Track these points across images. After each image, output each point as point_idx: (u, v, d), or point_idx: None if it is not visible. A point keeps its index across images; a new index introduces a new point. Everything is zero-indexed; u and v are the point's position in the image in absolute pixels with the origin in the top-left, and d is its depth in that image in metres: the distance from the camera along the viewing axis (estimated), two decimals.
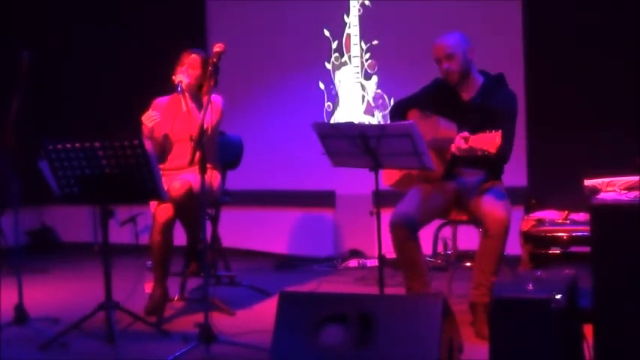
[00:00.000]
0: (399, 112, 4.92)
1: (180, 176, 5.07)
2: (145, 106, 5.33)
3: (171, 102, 5.34)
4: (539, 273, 3.76)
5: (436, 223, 5.17)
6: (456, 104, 4.79)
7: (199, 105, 5.20)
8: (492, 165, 4.71)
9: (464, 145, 4.35)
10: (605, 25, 6.18)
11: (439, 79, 4.90)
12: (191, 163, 4.41)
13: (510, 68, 6.23)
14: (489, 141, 4.26)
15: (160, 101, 5.39)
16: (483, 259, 4.58)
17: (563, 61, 6.34)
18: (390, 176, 4.96)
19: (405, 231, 4.60)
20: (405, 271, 4.70)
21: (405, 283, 4.72)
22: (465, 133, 4.38)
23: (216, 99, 5.20)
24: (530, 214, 5.54)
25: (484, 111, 4.68)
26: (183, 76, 5.23)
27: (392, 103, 6.89)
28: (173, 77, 5.25)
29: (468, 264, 5.75)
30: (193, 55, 5.31)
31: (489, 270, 4.55)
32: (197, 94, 5.29)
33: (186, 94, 5.21)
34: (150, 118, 5.15)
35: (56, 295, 6.02)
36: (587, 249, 4.56)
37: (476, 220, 4.82)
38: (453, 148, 4.43)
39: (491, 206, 4.57)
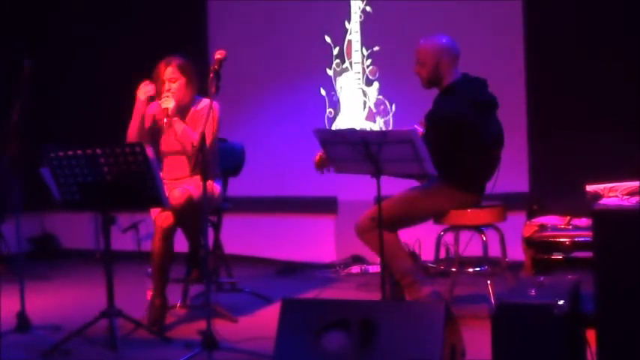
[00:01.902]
0: None
1: (180, 185, 5.06)
2: None
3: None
4: (541, 278, 3.76)
5: (438, 228, 5.17)
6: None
7: (190, 119, 5.17)
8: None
9: None
10: (605, 26, 6.18)
11: None
12: (192, 171, 4.40)
13: (511, 72, 6.27)
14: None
15: (154, 106, 5.28)
16: None
17: (565, 65, 6.33)
18: None
19: (364, 221, 4.80)
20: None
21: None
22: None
23: (213, 106, 5.06)
24: (533, 220, 5.53)
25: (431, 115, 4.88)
26: (169, 100, 5.07)
27: (393, 109, 6.90)
28: (159, 102, 5.11)
29: (471, 270, 5.75)
30: (170, 67, 5.15)
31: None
32: (186, 106, 5.19)
33: (175, 119, 5.07)
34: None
35: (58, 302, 6.01)
36: (589, 254, 4.56)
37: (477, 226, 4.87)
38: None
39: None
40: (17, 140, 4.87)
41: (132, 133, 5.16)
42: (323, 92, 7.08)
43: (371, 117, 6.97)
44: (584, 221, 5.29)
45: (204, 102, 5.15)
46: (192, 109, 5.22)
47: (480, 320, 4.77)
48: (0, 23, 7.59)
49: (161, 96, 5.13)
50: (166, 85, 5.14)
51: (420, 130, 4.86)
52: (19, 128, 4.88)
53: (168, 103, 5.08)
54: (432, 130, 4.76)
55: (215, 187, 5.24)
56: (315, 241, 7.13)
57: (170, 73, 5.16)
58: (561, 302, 3.43)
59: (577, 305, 3.66)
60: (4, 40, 7.40)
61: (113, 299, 4.66)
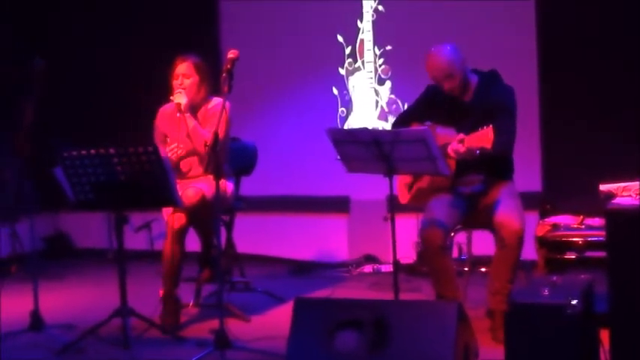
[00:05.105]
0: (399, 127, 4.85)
1: (193, 184, 5.07)
2: (156, 110, 5.34)
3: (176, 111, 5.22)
4: (554, 278, 3.75)
5: None
6: (455, 107, 4.78)
7: (201, 117, 5.17)
8: (496, 164, 4.71)
9: (462, 149, 4.40)
10: (619, 25, 6.15)
11: (431, 86, 4.92)
12: (206, 170, 4.40)
13: (524, 72, 6.24)
14: (483, 137, 4.31)
15: (165, 110, 5.31)
16: (499, 268, 4.58)
17: (577, 65, 6.31)
18: (402, 195, 4.95)
19: (437, 239, 4.57)
20: (437, 279, 4.66)
21: (436, 291, 4.68)
22: (461, 135, 4.43)
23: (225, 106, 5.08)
24: (545, 219, 5.52)
25: (482, 109, 4.66)
26: (181, 95, 5.08)
27: (406, 108, 6.89)
28: (171, 97, 5.12)
29: (483, 269, 5.73)
30: (185, 63, 5.17)
31: (506, 278, 4.56)
32: (198, 105, 5.19)
33: (187, 114, 5.08)
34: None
35: (71, 301, 6.03)
36: (602, 254, 4.54)
37: (490, 227, 4.83)
38: (451, 152, 4.44)
39: (505, 216, 4.56)
40: (30, 140, 4.89)
41: None
42: (335, 91, 7.07)
43: (383, 116, 6.97)
44: (598, 221, 5.27)
45: (215, 101, 5.17)
46: (204, 107, 5.23)
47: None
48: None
49: (174, 91, 5.14)
50: (179, 80, 5.16)
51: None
52: (32, 128, 4.90)
53: (181, 99, 5.09)
54: (506, 115, 4.62)
55: (227, 185, 5.25)
56: (328, 241, 7.13)
57: (184, 68, 5.17)
58: (574, 302, 3.42)
59: (590, 305, 3.65)
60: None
61: (126, 298, 4.67)
